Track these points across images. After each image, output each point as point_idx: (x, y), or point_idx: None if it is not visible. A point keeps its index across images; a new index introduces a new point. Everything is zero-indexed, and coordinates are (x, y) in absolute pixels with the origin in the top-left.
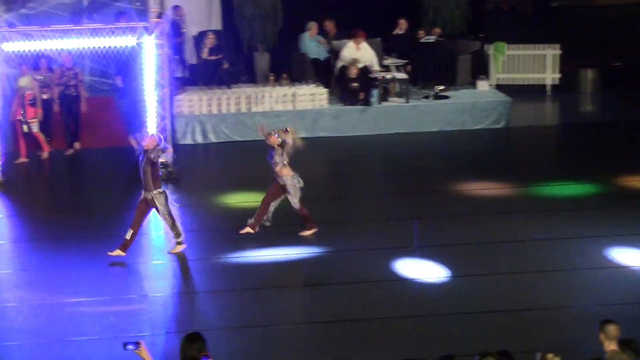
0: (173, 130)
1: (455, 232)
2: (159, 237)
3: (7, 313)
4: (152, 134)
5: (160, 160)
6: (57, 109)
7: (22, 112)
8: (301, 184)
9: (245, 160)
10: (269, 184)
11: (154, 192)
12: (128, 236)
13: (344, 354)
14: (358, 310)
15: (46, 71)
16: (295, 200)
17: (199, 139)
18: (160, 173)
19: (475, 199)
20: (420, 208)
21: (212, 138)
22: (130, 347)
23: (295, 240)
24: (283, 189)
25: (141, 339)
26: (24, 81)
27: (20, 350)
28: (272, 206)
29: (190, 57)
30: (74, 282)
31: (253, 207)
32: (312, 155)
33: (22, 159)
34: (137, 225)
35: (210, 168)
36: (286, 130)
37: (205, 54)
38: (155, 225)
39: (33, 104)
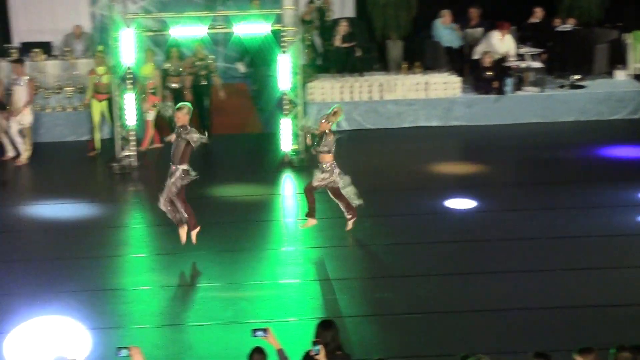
0: (305, 118)
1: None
2: (291, 223)
3: (141, 296)
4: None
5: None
6: (189, 98)
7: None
8: (337, 179)
9: (377, 148)
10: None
11: (178, 166)
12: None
13: (475, 345)
14: (488, 301)
15: (177, 60)
16: (316, 183)
17: (332, 126)
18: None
19: (610, 191)
20: (554, 199)
21: (344, 125)
22: (259, 333)
23: (421, 230)
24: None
25: (269, 326)
26: (146, 69)
27: (153, 333)
28: (346, 192)
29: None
30: (206, 266)
31: (386, 194)
32: (445, 143)
33: (156, 145)
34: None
35: (342, 155)
36: (335, 113)
37: (338, 42)
38: (288, 212)
39: (154, 93)
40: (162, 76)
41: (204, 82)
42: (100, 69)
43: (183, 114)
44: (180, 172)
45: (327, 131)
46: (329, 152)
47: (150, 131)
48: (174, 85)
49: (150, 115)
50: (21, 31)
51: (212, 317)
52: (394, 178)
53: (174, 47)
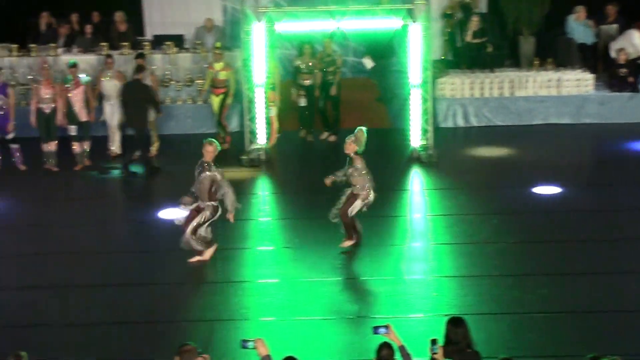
0: (434, 113)
1: None
2: (418, 219)
3: (269, 289)
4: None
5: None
6: (318, 94)
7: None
8: (370, 200)
9: (507, 144)
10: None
11: (207, 203)
12: None
13: (606, 346)
14: (619, 302)
15: (309, 57)
16: (352, 209)
17: (460, 122)
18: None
19: None
20: None
21: (474, 122)
22: (381, 330)
23: (549, 228)
24: (354, 197)
25: (394, 322)
26: (269, 65)
27: (278, 326)
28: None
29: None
30: (333, 261)
31: (514, 190)
32: (576, 141)
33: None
34: None
35: (470, 151)
36: (357, 139)
37: (469, 37)
38: (415, 208)
39: (273, 89)
40: (293, 73)
41: (331, 78)
42: (218, 65)
43: (211, 150)
44: (211, 209)
45: (352, 155)
46: (360, 174)
47: (275, 125)
48: (306, 82)
49: (272, 111)
50: (154, 23)
51: (338, 312)
52: (524, 175)
53: (307, 44)
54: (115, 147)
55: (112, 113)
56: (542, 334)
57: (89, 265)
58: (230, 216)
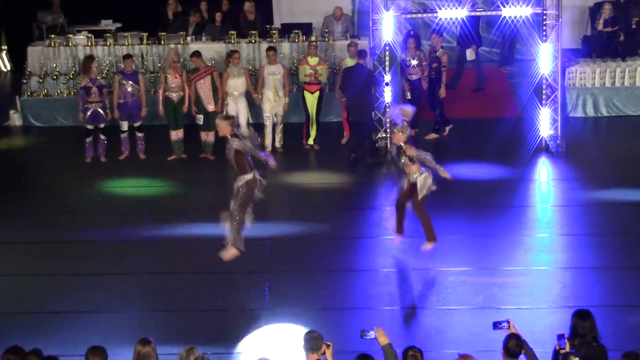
0: (563, 103)
1: None
2: (544, 210)
3: (391, 278)
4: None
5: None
6: (426, 86)
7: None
8: (432, 184)
9: (637, 135)
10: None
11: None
12: None
13: None
14: None
15: (415, 51)
16: (419, 200)
17: (590, 112)
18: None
19: None
20: None
21: (604, 111)
22: (502, 325)
23: None
24: (414, 188)
25: (520, 312)
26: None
27: (401, 315)
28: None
29: (585, 29)
30: (459, 251)
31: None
32: None
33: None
34: None
35: (600, 142)
36: (402, 129)
37: (600, 26)
38: (540, 199)
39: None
40: (400, 67)
41: (433, 75)
42: (313, 60)
43: (226, 124)
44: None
45: (402, 144)
46: (412, 162)
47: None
48: (412, 76)
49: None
50: (282, 12)
51: (463, 302)
52: None
53: (411, 38)
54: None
55: (237, 110)
56: None
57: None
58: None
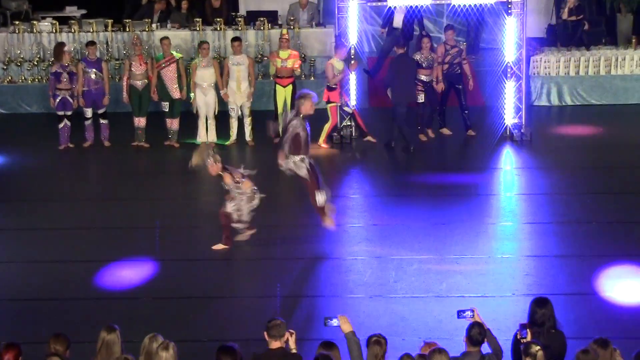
0: (528, 91)
1: None
2: (509, 198)
3: (356, 266)
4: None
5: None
6: (441, 88)
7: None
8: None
9: (601, 124)
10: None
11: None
12: None
13: None
14: None
15: (428, 51)
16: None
17: (555, 100)
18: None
19: None
20: None
21: (568, 100)
22: (468, 313)
23: None
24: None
25: (485, 300)
26: (336, 63)
27: (365, 303)
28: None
29: (550, 17)
30: (423, 238)
31: (607, 171)
32: None
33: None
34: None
35: (564, 130)
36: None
37: (565, 14)
38: (504, 187)
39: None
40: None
41: (458, 71)
42: (284, 53)
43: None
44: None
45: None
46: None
47: (359, 119)
48: (424, 77)
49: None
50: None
51: (426, 290)
52: (618, 155)
53: (426, 37)
54: (201, 136)
55: (205, 102)
56: (633, 314)
57: (176, 239)
58: None
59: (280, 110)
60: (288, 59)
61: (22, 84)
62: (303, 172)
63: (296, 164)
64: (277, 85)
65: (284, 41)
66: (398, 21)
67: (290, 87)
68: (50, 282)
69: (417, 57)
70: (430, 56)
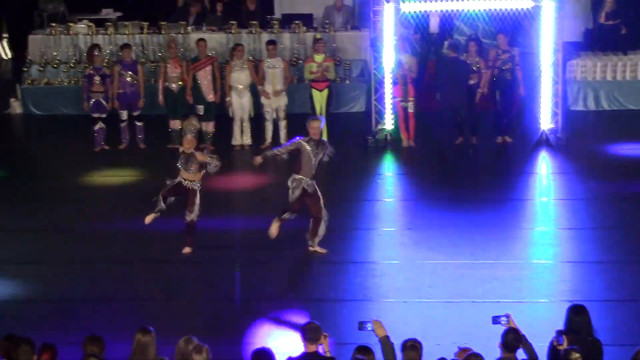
0: (564, 96)
1: None
2: (545, 203)
3: (390, 270)
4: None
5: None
6: (481, 95)
7: (404, 89)
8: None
9: (638, 130)
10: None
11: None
12: None
13: None
14: None
15: (475, 55)
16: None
17: (591, 105)
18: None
19: None
20: None
21: (605, 105)
22: (503, 319)
23: None
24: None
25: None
26: (406, 58)
27: (400, 307)
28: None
29: (587, 22)
30: (458, 243)
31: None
32: None
33: (407, 142)
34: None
35: (600, 135)
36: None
37: (602, 19)
38: (540, 192)
39: (412, 82)
40: None
41: (508, 77)
42: (319, 57)
43: (319, 124)
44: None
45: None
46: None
47: (412, 121)
48: (470, 81)
49: (410, 107)
50: (283, 2)
51: (461, 295)
52: None
53: (473, 41)
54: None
55: (241, 104)
56: None
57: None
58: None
59: (322, 113)
60: (323, 63)
61: (58, 86)
62: (295, 193)
63: (293, 182)
64: (313, 90)
65: (319, 45)
66: (434, 26)
67: (326, 91)
68: (88, 282)
69: (470, 59)
70: (476, 60)
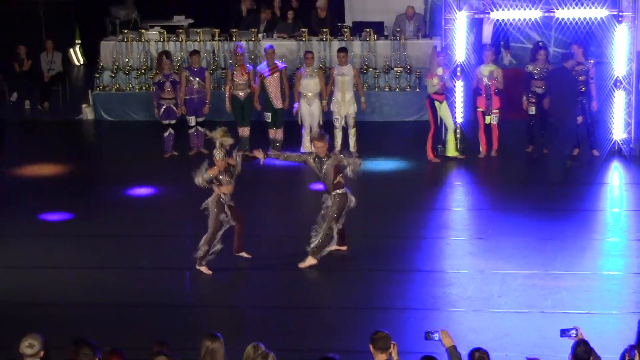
0: (638, 106)
1: None
2: (616, 214)
3: (459, 279)
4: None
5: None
6: (548, 104)
7: (486, 102)
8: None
9: None
10: None
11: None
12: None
13: None
14: None
15: (544, 62)
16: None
17: None
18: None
19: None
20: None
21: None
22: (572, 332)
23: None
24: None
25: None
26: (488, 69)
27: (468, 317)
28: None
29: None
30: (528, 253)
31: None
32: None
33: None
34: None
35: None
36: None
37: None
38: (612, 203)
39: (497, 94)
40: (526, 79)
41: (582, 89)
42: (440, 70)
43: (321, 145)
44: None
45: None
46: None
47: (495, 132)
48: (537, 89)
49: (495, 119)
50: (354, 10)
51: (531, 305)
52: None
53: (542, 50)
54: (306, 145)
55: (310, 111)
56: None
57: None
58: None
59: (449, 124)
60: (443, 75)
61: (129, 92)
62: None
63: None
64: (436, 102)
65: (442, 59)
66: (487, 35)
67: (445, 102)
68: (149, 288)
69: (531, 68)
70: (545, 67)
